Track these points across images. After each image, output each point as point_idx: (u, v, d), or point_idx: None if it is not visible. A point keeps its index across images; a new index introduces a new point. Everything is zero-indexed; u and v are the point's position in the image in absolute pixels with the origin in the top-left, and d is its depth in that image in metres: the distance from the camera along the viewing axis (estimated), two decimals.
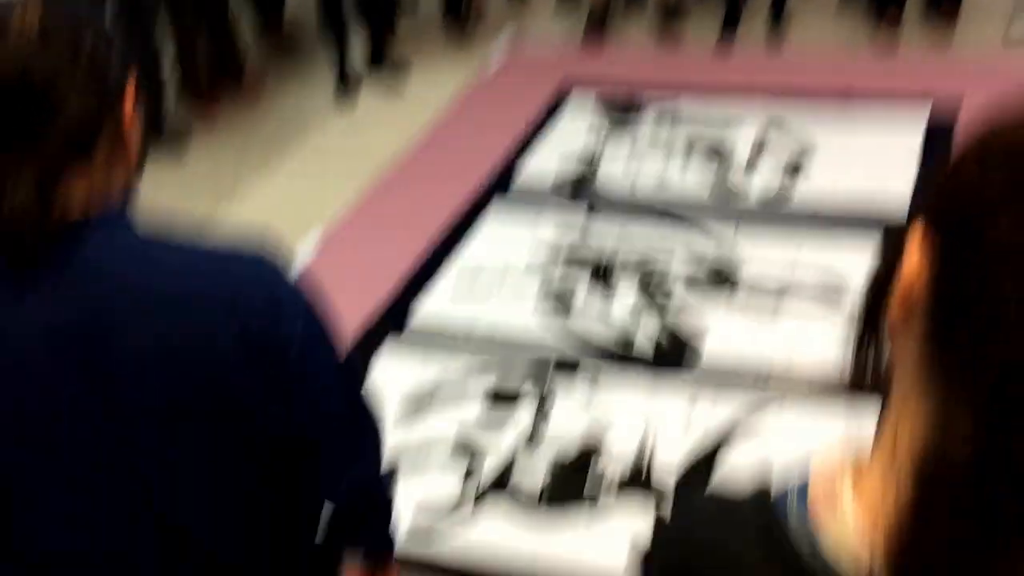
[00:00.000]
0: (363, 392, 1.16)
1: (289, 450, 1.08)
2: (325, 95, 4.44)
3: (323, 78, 4.52)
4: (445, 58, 4.67)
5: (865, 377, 0.60)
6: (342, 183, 3.68)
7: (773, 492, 0.60)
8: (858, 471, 0.58)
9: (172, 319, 0.96)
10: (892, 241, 0.57)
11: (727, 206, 3.21)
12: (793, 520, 0.58)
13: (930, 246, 0.53)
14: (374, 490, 1.20)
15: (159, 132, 4.04)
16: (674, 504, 0.64)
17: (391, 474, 1.25)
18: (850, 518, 0.56)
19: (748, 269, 2.90)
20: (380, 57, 4.49)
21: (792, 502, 0.59)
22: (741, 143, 3.54)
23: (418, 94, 4.35)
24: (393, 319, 2.85)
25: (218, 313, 0.98)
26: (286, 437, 1.06)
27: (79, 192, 0.95)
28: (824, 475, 0.59)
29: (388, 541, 1.29)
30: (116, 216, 0.98)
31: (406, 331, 2.81)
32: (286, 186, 3.78)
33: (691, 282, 2.88)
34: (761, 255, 2.94)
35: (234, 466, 1.04)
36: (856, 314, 0.60)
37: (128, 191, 1.01)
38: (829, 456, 0.60)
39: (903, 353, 0.56)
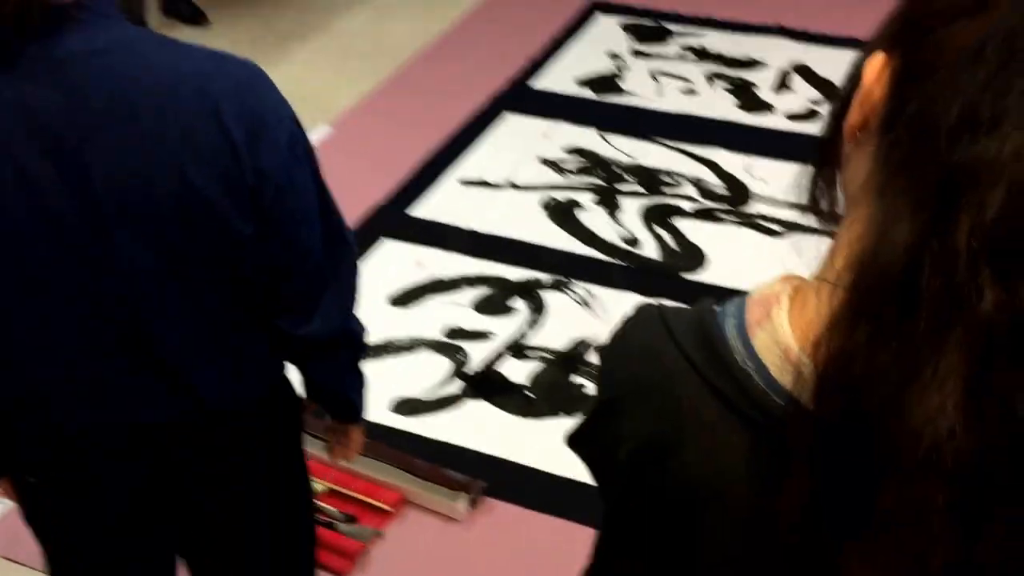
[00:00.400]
0: (342, 227, 1.15)
1: (262, 269, 1.08)
2: None
3: None
4: None
5: (818, 204, 0.62)
6: (359, 74, 3.64)
7: (715, 308, 0.62)
8: (796, 290, 0.60)
9: (152, 121, 0.96)
10: (853, 71, 0.59)
11: (742, 137, 3.19)
12: (729, 328, 0.60)
13: (887, 64, 0.56)
14: (345, 329, 1.21)
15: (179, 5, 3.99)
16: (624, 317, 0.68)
17: (361, 327, 1.25)
18: (782, 326, 0.58)
19: (757, 201, 2.90)
20: None
21: (729, 313, 0.61)
22: (764, 86, 3.49)
23: None
24: (387, 220, 2.86)
25: (201, 118, 0.97)
26: (259, 259, 1.07)
27: None
28: (763, 293, 0.61)
29: (355, 387, 1.30)
30: (104, 7, 0.97)
31: (400, 227, 2.82)
32: (302, 73, 3.74)
33: (701, 211, 2.88)
34: (772, 189, 2.94)
35: (205, 275, 1.05)
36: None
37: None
38: (769, 281, 0.62)
39: (855, 172, 0.58)
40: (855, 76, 0.58)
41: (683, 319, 0.62)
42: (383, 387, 2.29)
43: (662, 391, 0.61)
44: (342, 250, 1.15)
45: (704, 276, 2.62)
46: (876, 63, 0.56)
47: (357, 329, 1.24)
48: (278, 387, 1.26)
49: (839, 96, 0.60)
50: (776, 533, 0.54)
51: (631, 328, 0.66)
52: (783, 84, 3.47)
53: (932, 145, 0.49)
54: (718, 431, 0.59)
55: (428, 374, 2.36)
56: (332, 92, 3.52)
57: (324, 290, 1.14)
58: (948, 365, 0.48)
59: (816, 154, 0.63)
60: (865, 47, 0.59)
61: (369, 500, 2.05)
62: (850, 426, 0.51)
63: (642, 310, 0.67)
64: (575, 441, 0.70)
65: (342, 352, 1.24)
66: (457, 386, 2.33)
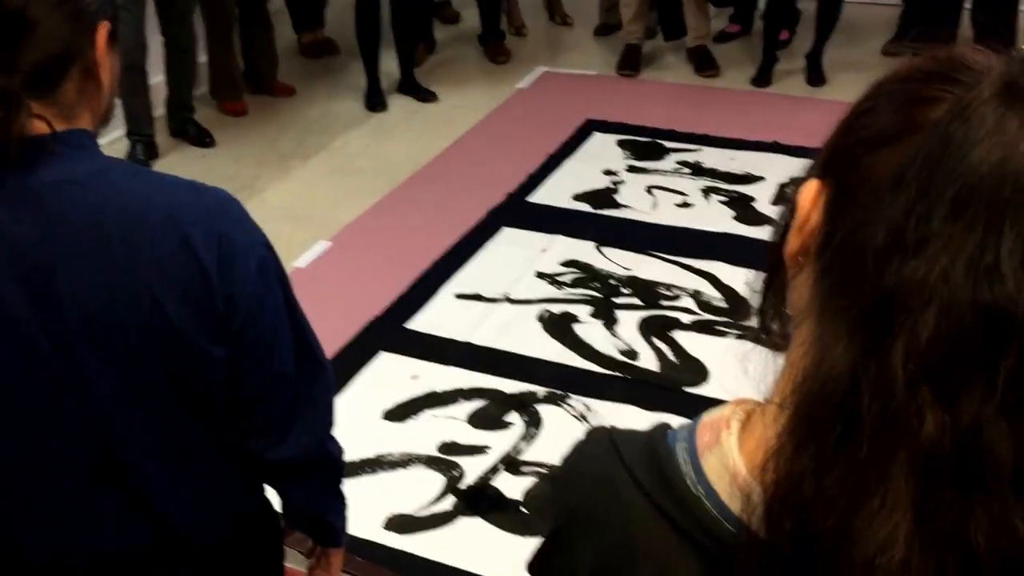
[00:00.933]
0: (314, 349, 1.15)
1: (233, 393, 1.07)
2: (355, 104, 4.49)
3: (355, 87, 4.58)
4: (478, 82, 4.73)
5: (768, 327, 0.63)
6: (358, 192, 3.71)
7: (668, 432, 0.62)
8: (748, 414, 0.60)
9: (123, 249, 0.97)
10: (789, 199, 0.60)
11: (741, 249, 3.21)
12: (679, 453, 0.60)
13: (821, 190, 0.56)
14: (320, 451, 1.19)
15: (185, 117, 4.09)
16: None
17: (339, 448, 1.23)
18: (731, 450, 0.58)
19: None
20: (408, 84, 4.54)
21: (680, 437, 0.61)
22: (761, 198, 3.54)
23: (445, 111, 4.40)
24: (384, 334, 2.86)
25: (172, 245, 0.98)
26: (229, 384, 1.06)
27: (43, 122, 0.96)
28: (713, 417, 0.61)
29: (334, 510, 1.28)
30: (81, 138, 1.00)
31: (397, 340, 2.81)
32: (302, 191, 3.81)
33: (700, 324, 2.88)
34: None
35: (177, 402, 1.05)
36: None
37: (95, 132, 1.03)
38: (722, 406, 0.62)
39: (799, 295, 0.58)
40: (791, 204, 0.60)
41: (634, 444, 0.62)
42: (375, 503, 2.25)
43: (612, 519, 0.61)
44: (315, 371, 1.15)
45: (706, 390, 2.60)
46: (811, 190, 0.57)
47: (334, 450, 1.22)
48: (256, 514, 1.24)
49: (778, 224, 0.62)
50: None
51: (581, 454, 0.66)
52: (782, 198, 3.51)
53: (862, 269, 0.50)
54: (670, 559, 0.58)
55: (421, 490, 2.32)
56: (332, 209, 3.57)
57: (297, 413, 1.13)
58: (896, 491, 0.48)
59: (762, 282, 0.64)
60: (799, 176, 0.60)
61: None
62: (800, 554, 0.50)
63: (592, 434, 0.66)
64: (534, 569, 0.68)
65: (318, 474, 1.22)
66: (450, 502, 2.28)
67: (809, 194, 0.57)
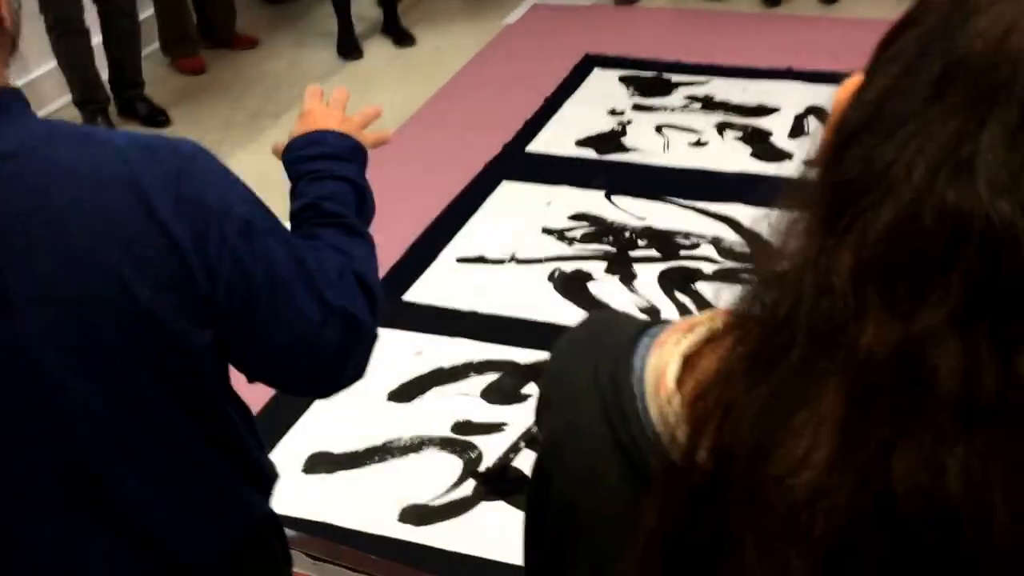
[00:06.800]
0: (338, 307, 1.06)
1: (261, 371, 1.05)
2: (326, 52, 4.41)
3: (325, 34, 4.49)
4: (460, 19, 4.64)
5: None
6: None
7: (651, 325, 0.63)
8: (726, 327, 0.58)
9: (78, 231, 0.90)
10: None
11: (759, 189, 3.17)
12: (641, 347, 0.61)
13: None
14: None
15: (133, 95, 3.95)
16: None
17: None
18: (671, 355, 0.58)
19: None
20: (391, 25, 4.46)
21: (652, 333, 0.61)
22: (777, 131, 3.50)
23: (428, 54, 4.33)
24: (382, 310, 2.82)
25: (135, 219, 0.91)
26: (251, 367, 1.03)
27: None
28: (688, 320, 0.61)
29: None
30: (5, 100, 0.93)
31: (395, 315, 2.78)
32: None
33: (723, 272, 2.85)
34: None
35: (162, 406, 0.99)
36: None
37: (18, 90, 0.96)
38: (704, 312, 0.62)
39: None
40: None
41: (621, 333, 0.63)
42: (387, 495, 2.23)
43: (564, 404, 0.64)
44: (350, 332, 1.07)
45: None
46: (852, 82, 0.54)
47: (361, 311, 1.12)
48: (261, 528, 1.19)
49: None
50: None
51: (564, 341, 0.70)
52: (800, 129, 3.48)
53: (833, 154, 0.49)
54: (598, 454, 0.60)
55: (437, 476, 2.29)
56: None
57: (330, 378, 1.10)
58: (825, 408, 0.45)
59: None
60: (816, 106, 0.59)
61: None
62: (717, 469, 0.49)
63: (589, 318, 0.73)
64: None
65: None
66: (470, 487, 2.27)
67: (849, 86, 0.54)
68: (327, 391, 1.16)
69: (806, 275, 0.47)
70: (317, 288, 1.04)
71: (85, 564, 1.03)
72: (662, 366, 0.57)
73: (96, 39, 3.79)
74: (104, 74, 3.86)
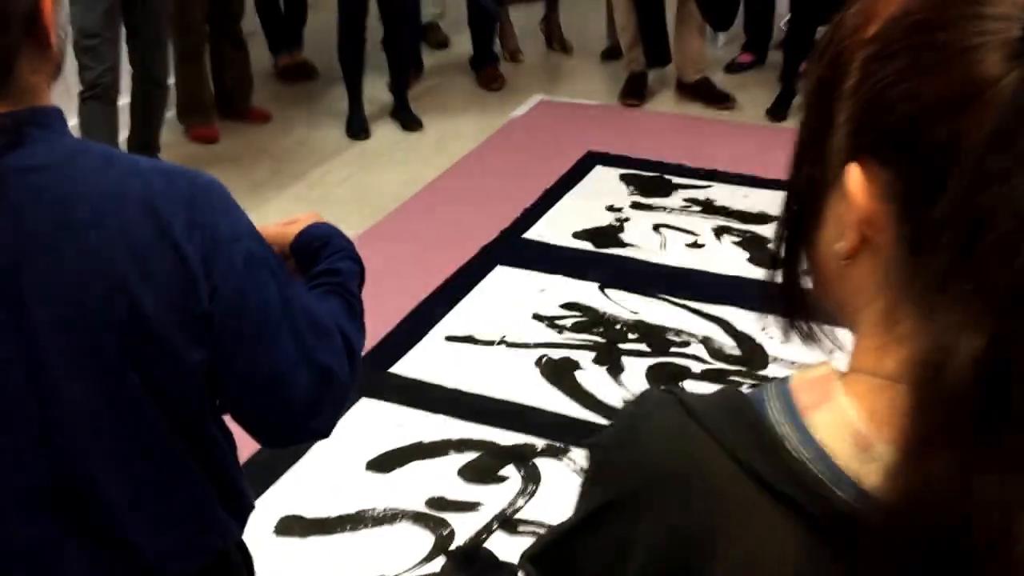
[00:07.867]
0: (316, 353, 1.10)
1: (233, 403, 1.07)
2: (336, 131, 4.52)
3: (336, 114, 4.60)
4: (469, 110, 4.76)
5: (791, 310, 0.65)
6: (339, 224, 3.70)
7: (748, 394, 0.61)
8: (842, 378, 0.59)
9: (96, 242, 0.96)
10: (795, 193, 0.62)
11: (754, 294, 3.22)
12: (772, 414, 0.58)
13: (873, 175, 0.56)
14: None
15: (150, 152, 4.05)
16: (619, 411, 0.66)
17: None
18: (849, 407, 0.57)
19: (778, 364, 2.90)
20: (401, 109, 4.58)
21: (771, 396, 0.59)
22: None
23: (434, 139, 4.43)
24: (367, 379, 2.83)
25: (151, 237, 0.97)
26: (227, 392, 1.06)
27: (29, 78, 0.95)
28: (810, 377, 0.60)
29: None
30: (45, 118, 0.98)
31: (381, 386, 2.80)
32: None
33: (712, 373, 2.88)
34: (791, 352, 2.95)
35: (155, 418, 1.03)
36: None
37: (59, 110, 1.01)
38: (808, 368, 0.61)
39: (858, 285, 0.59)
40: (810, 197, 0.61)
41: (709, 404, 0.60)
42: (355, 565, 2.22)
43: (692, 487, 0.58)
44: (323, 381, 1.11)
45: None
46: (856, 177, 0.56)
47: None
48: (233, 556, 1.21)
49: (789, 224, 0.64)
50: None
51: (642, 415, 0.62)
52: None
53: (985, 252, 0.50)
54: (768, 531, 0.56)
55: (407, 550, 2.29)
56: None
57: (298, 424, 1.12)
58: None
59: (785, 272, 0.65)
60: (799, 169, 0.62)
61: None
62: (941, 540, 0.50)
63: (649, 395, 0.63)
64: (541, 560, 0.64)
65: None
66: (439, 564, 2.26)
67: (857, 182, 0.56)
68: (287, 437, 1.18)
69: (1007, 365, 0.50)
70: (300, 332, 1.08)
71: (59, 569, 1.05)
72: (850, 421, 0.56)
73: (122, 100, 3.89)
74: (123, 134, 3.95)
